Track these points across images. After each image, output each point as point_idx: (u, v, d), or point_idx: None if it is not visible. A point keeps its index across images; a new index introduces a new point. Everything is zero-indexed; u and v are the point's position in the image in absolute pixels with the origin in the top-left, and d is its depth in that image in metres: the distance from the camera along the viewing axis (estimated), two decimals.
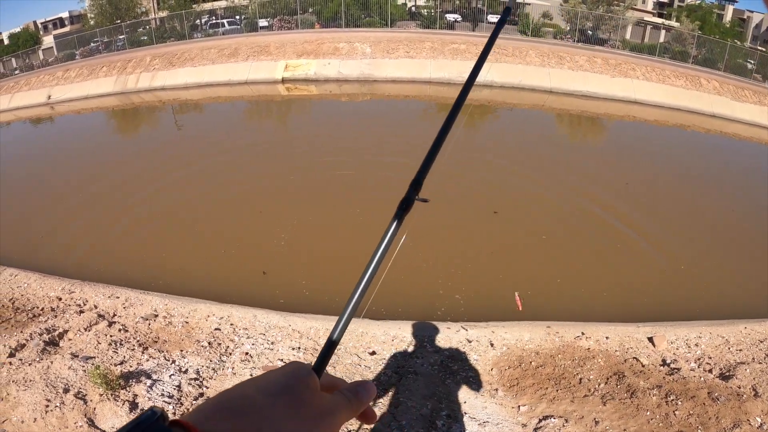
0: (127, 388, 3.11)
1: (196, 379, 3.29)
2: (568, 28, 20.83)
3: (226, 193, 7.88)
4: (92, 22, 30.33)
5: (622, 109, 14.39)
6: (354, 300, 0.54)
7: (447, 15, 21.83)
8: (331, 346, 0.52)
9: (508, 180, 8.03)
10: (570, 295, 4.71)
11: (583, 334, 3.55)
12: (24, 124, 20.09)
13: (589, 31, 20.35)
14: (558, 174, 8.37)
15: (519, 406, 3.05)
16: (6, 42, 35.70)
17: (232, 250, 5.94)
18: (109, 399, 2.97)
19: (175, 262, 5.80)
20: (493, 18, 21.58)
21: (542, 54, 16.38)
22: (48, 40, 34.41)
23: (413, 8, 24.20)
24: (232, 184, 8.27)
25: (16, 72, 30.71)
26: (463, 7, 22.25)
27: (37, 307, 4.80)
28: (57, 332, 4.05)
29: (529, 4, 22.69)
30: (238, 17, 26.18)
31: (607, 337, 3.53)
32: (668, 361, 3.39)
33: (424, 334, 3.61)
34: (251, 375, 3.19)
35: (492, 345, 3.47)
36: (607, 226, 6.48)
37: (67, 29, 33.61)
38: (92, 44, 27.43)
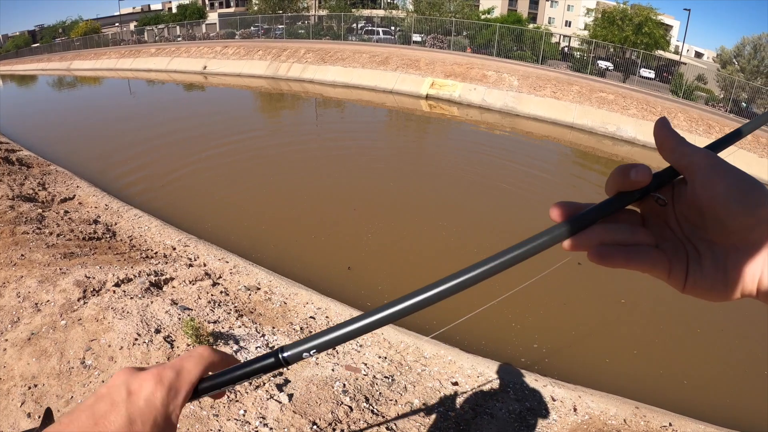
0: (214, 346, 3.14)
1: None
2: (722, 95, 19.68)
3: (335, 186, 8.41)
4: (256, 8, 32.93)
5: None
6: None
7: (599, 61, 21.19)
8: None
9: None
10: (659, 376, 4.33)
11: (670, 425, 3.31)
12: (177, 86, 22.12)
13: (743, 103, 19.08)
14: None
15: None
16: (174, 11, 40.33)
17: (321, 237, 6.29)
18: None
19: (275, 239, 6.22)
20: (646, 72, 20.87)
21: (690, 119, 15.52)
22: (212, 17, 38.14)
23: (566, 48, 23.89)
24: (345, 179, 8.79)
25: (179, 39, 34.37)
26: (616, 56, 21.55)
27: (152, 250, 5.08)
28: (164, 277, 4.23)
29: (685, 64, 21.59)
30: (393, 28, 27.13)
31: None
32: None
33: (510, 379, 3.53)
34: (332, 370, 3.23)
35: (575, 410, 3.33)
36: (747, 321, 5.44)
37: (231, 9, 36.94)
38: (252, 28, 29.83)
